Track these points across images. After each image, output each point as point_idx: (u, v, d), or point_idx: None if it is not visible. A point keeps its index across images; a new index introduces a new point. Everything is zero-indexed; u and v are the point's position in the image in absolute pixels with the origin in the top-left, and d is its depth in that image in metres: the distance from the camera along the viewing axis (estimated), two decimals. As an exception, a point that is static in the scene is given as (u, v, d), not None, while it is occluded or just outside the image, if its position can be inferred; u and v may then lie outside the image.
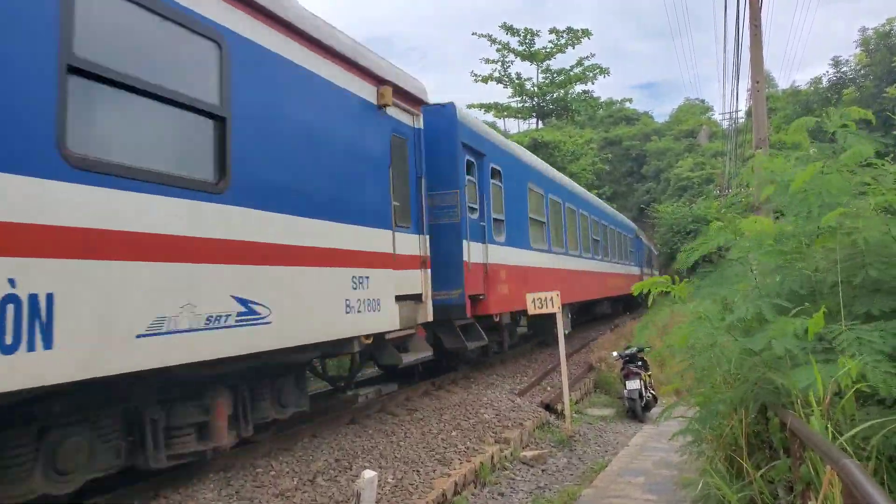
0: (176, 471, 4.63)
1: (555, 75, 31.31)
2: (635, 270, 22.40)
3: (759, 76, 12.33)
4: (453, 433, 6.70)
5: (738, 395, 3.93)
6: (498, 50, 30.18)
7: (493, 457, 6.23)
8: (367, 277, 6.08)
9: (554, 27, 31.79)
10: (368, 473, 4.57)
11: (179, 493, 4.45)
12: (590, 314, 18.58)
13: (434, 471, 5.53)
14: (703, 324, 3.86)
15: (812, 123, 4.28)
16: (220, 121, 4.45)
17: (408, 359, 7.14)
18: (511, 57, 30.42)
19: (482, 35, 29.93)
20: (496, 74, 30.74)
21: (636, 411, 9.40)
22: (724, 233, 4.56)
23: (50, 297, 3.19)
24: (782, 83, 58.01)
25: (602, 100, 37.76)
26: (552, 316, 8.17)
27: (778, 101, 40.58)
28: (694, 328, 3.95)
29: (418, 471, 5.48)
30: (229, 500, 4.47)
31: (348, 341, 5.91)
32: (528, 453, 6.78)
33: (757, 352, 3.48)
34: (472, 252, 8.64)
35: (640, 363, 9.77)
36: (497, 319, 9.82)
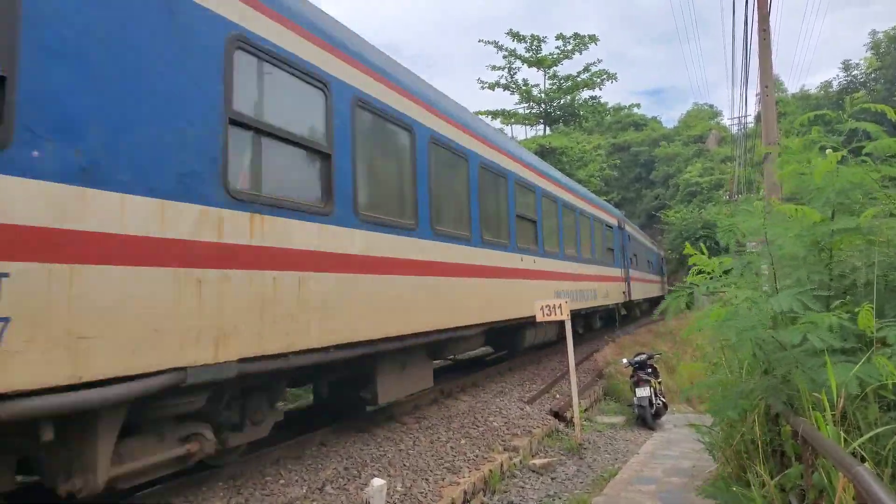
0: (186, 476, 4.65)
1: (562, 81, 31.26)
2: (657, 278, 32.18)
3: (768, 81, 12.28)
4: (462, 441, 6.67)
5: (751, 401, 3.87)
6: (504, 57, 30.16)
7: (502, 465, 6.20)
8: (617, 284, 17.80)
9: (560, 33, 31.77)
10: (377, 482, 4.58)
11: (189, 502, 4.46)
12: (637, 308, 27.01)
13: (443, 479, 5.51)
14: (751, 310, 3.61)
15: (819, 136, 4.22)
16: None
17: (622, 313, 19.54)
18: (518, 63, 30.38)
19: (489, 42, 29.97)
20: (503, 81, 30.73)
21: (646, 419, 9.32)
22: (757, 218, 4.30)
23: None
24: (792, 87, 57.73)
25: (610, 105, 37.62)
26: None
27: (787, 106, 40.41)
28: (741, 312, 3.67)
29: (427, 479, 5.46)
30: (238, 509, 4.47)
31: (615, 306, 18.15)
32: (538, 461, 6.73)
33: (785, 346, 3.41)
34: (625, 273, 19.51)
35: (649, 370, 9.71)
36: (634, 302, 22.02)
